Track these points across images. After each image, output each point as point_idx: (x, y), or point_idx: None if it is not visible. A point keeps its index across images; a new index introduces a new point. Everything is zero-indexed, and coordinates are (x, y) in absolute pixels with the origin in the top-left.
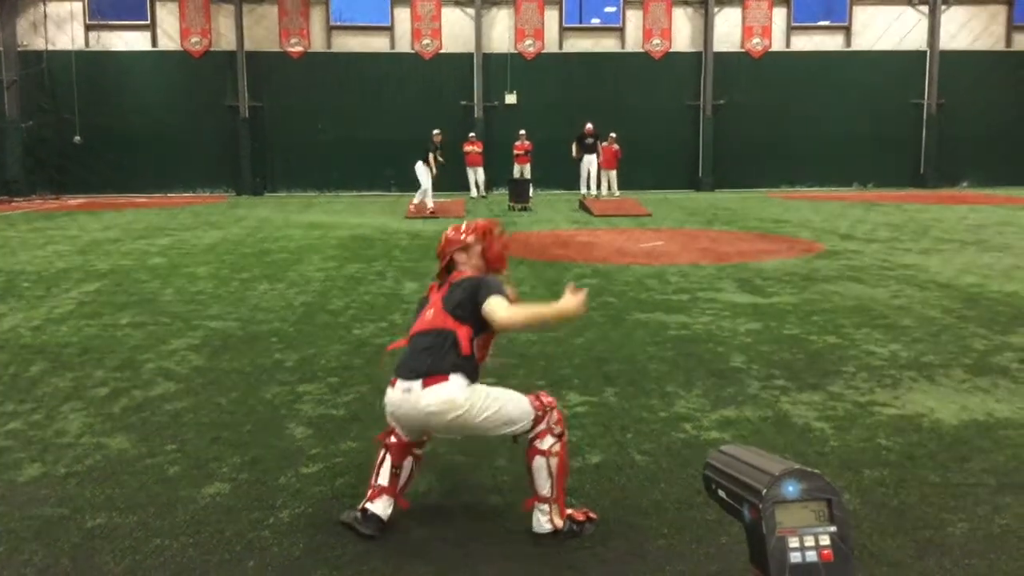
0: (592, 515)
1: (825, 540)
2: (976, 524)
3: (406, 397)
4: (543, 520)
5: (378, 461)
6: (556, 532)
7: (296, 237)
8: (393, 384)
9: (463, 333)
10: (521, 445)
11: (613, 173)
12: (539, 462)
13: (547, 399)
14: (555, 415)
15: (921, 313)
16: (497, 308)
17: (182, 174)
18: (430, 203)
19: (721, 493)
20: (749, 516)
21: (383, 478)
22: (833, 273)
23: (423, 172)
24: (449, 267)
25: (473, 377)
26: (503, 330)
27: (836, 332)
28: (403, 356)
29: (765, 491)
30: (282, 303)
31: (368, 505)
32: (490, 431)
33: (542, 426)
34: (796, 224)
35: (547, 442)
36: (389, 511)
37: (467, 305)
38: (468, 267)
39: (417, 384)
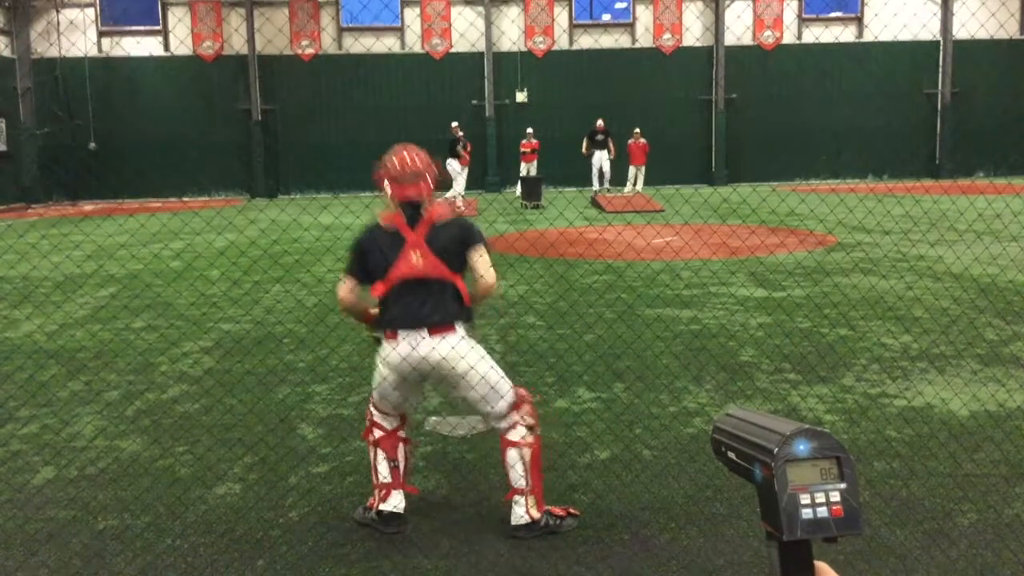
0: (573, 511)
1: (835, 497)
2: (985, 514)
3: (411, 350)
4: (520, 512)
5: (372, 459)
6: (532, 524)
7: (309, 239)
8: (393, 337)
9: (461, 283)
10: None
11: (642, 168)
12: (512, 454)
13: (524, 392)
14: (527, 407)
15: (934, 304)
16: (488, 267)
17: (196, 178)
18: (460, 202)
19: (731, 455)
20: (761, 475)
21: (384, 475)
22: (846, 265)
23: (457, 169)
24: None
25: (469, 320)
26: (480, 290)
27: (848, 325)
28: (396, 306)
29: (777, 449)
30: (295, 304)
31: (382, 506)
32: (477, 389)
33: (515, 416)
34: (810, 217)
35: (519, 433)
36: (403, 504)
37: (458, 252)
38: (430, 199)
39: (423, 333)
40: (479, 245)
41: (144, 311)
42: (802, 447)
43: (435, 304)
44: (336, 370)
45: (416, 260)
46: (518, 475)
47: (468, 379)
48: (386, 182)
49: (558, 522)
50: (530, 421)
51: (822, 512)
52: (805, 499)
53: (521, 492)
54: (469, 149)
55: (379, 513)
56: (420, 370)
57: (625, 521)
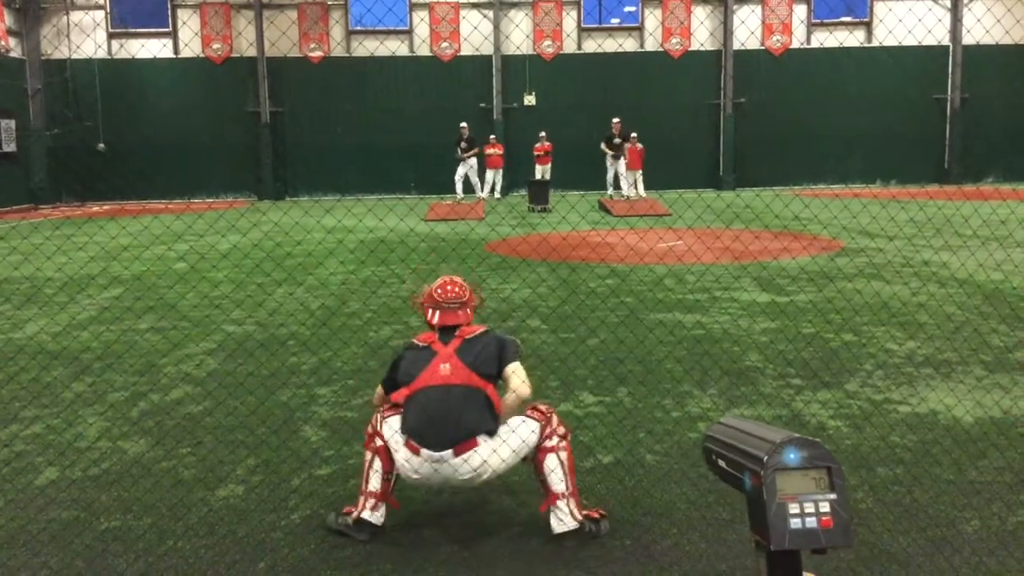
0: (603, 512)
1: (825, 507)
2: (989, 522)
3: (436, 467)
4: (563, 518)
5: (366, 465)
6: (578, 530)
7: (315, 241)
8: (415, 451)
9: (492, 392)
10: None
11: (639, 173)
12: (551, 460)
13: (544, 407)
14: (555, 419)
15: (940, 310)
16: (523, 379)
17: (205, 180)
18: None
19: (721, 463)
20: (750, 483)
21: (374, 484)
22: (853, 271)
23: (469, 170)
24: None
25: (495, 432)
26: (516, 400)
27: (854, 330)
28: (418, 417)
29: (767, 458)
30: (300, 307)
31: (364, 515)
32: (512, 465)
33: (547, 432)
34: (817, 221)
35: (554, 440)
36: (383, 517)
37: (492, 363)
38: (468, 320)
39: (448, 454)
40: (514, 362)
41: (148, 313)
42: (792, 456)
43: (459, 416)
44: (340, 373)
45: (444, 370)
46: (558, 479)
47: (497, 475)
48: (429, 308)
49: (597, 527)
50: (562, 430)
51: (811, 522)
52: (794, 509)
53: (562, 496)
54: (483, 149)
55: (357, 520)
56: (442, 483)
57: (627, 526)
